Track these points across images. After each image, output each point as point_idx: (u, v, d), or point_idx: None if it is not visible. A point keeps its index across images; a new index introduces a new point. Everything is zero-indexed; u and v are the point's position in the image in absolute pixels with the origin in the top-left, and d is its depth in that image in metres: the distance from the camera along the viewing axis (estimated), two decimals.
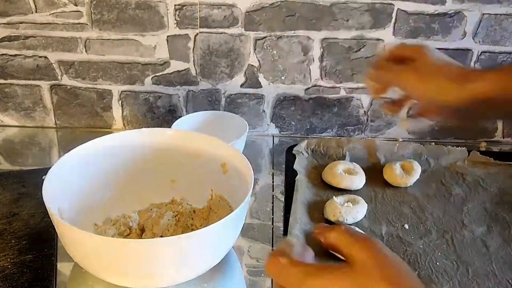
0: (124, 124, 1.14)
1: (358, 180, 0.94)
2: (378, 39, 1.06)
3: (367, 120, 1.14)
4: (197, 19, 1.04)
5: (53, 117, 1.13)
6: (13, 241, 0.79)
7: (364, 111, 1.13)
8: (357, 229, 0.82)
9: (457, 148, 1.03)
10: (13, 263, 0.75)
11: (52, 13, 1.03)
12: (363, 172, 0.96)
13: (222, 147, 0.85)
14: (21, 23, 1.04)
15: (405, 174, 0.96)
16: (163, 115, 1.12)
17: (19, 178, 0.94)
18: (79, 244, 0.68)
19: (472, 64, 1.08)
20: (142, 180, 0.87)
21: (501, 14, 1.03)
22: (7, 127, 1.14)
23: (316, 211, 0.89)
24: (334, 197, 0.88)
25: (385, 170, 0.98)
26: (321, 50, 1.07)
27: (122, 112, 1.13)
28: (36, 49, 1.06)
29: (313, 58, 1.08)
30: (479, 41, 1.06)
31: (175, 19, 1.04)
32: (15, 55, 1.07)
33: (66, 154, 0.79)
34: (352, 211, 0.86)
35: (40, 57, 1.07)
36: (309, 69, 1.09)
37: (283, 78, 1.10)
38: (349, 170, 0.96)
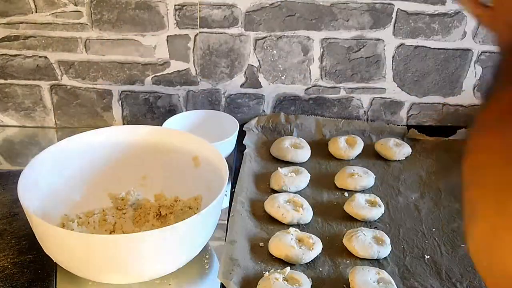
0: (124, 124, 1.14)
1: (304, 153, 1.00)
2: (378, 39, 1.06)
3: (367, 120, 1.14)
4: (197, 19, 1.04)
5: (53, 117, 1.13)
6: (13, 241, 0.79)
7: (364, 111, 1.13)
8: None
9: (398, 126, 1.09)
10: (13, 263, 0.75)
11: (52, 13, 1.03)
12: (308, 146, 1.02)
13: (193, 140, 0.85)
14: (21, 23, 1.04)
15: (349, 147, 1.01)
16: (163, 115, 1.12)
17: (19, 178, 0.94)
18: (51, 239, 0.69)
19: (472, 64, 1.08)
20: (113, 178, 0.87)
21: None
22: (7, 127, 1.14)
23: (263, 181, 0.94)
24: (279, 168, 0.93)
25: (330, 144, 1.03)
26: (321, 50, 1.07)
27: (122, 112, 1.13)
28: (36, 49, 1.06)
29: (313, 58, 1.08)
30: (479, 41, 1.06)
31: (175, 19, 1.04)
32: (15, 55, 1.07)
33: (39, 153, 0.80)
34: (295, 181, 0.91)
35: (40, 57, 1.07)
36: (309, 69, 1.09)
37: (283, 78, 1.10)
38: (295, 145, 1.01)
